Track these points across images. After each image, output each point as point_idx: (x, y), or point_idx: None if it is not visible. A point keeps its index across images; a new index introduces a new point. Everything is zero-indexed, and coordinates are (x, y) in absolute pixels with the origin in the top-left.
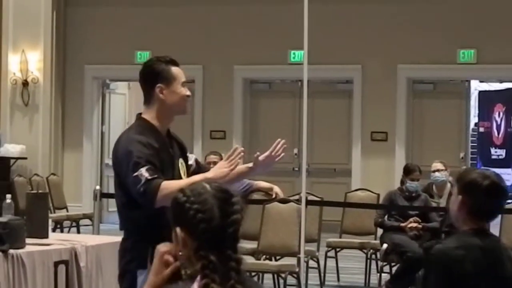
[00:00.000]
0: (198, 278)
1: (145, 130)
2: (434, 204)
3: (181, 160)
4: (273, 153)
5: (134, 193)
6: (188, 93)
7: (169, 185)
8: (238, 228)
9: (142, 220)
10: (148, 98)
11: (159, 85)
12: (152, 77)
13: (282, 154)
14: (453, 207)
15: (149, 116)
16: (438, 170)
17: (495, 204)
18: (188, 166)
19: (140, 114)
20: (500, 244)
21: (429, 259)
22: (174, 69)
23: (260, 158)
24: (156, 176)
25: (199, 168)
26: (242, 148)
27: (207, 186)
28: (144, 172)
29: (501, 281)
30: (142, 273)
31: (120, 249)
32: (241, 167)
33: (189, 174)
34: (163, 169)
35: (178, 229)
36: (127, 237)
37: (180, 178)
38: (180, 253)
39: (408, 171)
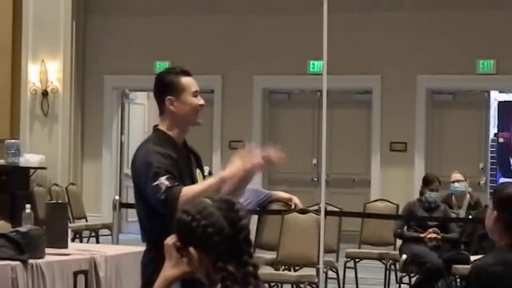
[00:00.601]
0: (219, 286)
1: (162, 142)
2: (453, 215)
3: (198, 171)
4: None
5: (155, 201)
6: (201, 102)
7: (189, 191)
8: (248, 233)
9: (163, 231)
10: (161, 110)
11: (169, 97)
12: (162, 89)
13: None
14: (489, 222)
15: (164, 127)
16: (457, 181)
17: None
18: (204, 178)
19: (157, 125)
20: None
21: (469, 276)
22: (184, 80)
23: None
24: (176, 184)
25: None
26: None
27: (208, 200)
28: (164, 181)
29: None
30: None
31: (143, 261)
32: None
33: None
34: (182, 179)
35: (191, 249)
36: (150, 249)
37: None
38: (197, 271)
39: (427, 182)
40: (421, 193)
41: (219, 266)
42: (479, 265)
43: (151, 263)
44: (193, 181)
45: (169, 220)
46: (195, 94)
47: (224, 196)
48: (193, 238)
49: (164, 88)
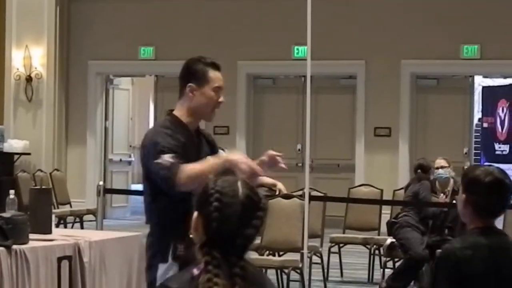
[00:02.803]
0: (201, 265)
1: (173, 125)
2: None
3: (209, 158)
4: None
5: (159, 178)
6: (220, 99)
7: (189, 167)
8: (249, 243)
9: (165, 213)
10: (181, 94)
11: (190, 84)
12: (187, 75)
13: (282, 165)
14: (460, 205)
15: (179, 112)
16: (441, 167)
17: (498, 200)
18: None
19: (172, 110)
20: (508, 241)
21: (438, 259)
22: (212, 73)
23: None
24: (180, 162)
25: None
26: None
27: (241, 190)
28: (167, 158)
29: (510, 279)
30: (162, 267)
31: (146, 243)
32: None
33: None
34: (188, 163)
35: (196, 213)
36: (152, 232)
37: None
38: (191, 236)
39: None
40: (419, 179)
41: (205, 250)
42: (449, 248)
43: (152, 247)
44: None
45: (171, 203)
46: (216, 90)
47: (262, 196)
48: (202, 207)
49: (189, 74)
